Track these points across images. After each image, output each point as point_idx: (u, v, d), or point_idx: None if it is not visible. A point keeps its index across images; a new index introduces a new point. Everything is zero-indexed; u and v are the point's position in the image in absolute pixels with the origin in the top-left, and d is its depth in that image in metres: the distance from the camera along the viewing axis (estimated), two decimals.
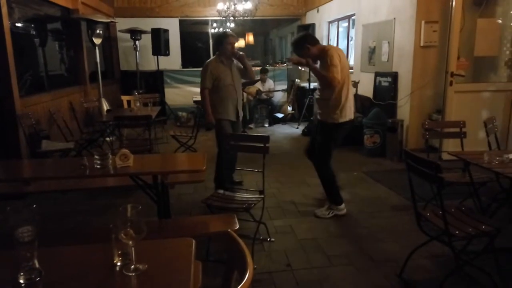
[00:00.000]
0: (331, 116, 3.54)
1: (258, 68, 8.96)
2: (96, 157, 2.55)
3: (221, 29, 11.74)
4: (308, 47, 3.53)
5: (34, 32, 6.08)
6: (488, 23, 5.29)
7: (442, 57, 5.30)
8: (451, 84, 5.00)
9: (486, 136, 3.66)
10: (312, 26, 8.52)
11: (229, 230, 1.54)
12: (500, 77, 5.49)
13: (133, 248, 1.35)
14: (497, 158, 2.79)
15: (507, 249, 2.94)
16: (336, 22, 8.94)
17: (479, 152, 2.99)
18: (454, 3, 4.84)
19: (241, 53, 4.14)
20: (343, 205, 3.77)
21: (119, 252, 1.40)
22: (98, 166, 2.54)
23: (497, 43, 5.35)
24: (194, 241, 1.55)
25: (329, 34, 9.39)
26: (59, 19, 6.80)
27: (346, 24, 8.49)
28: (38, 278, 1.29)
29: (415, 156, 2.48)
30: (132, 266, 1.35)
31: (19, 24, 5.52)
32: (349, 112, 3.58)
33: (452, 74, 4.97)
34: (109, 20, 7.81)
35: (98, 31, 6.92)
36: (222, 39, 4.09)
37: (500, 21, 5.39)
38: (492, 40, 5.29)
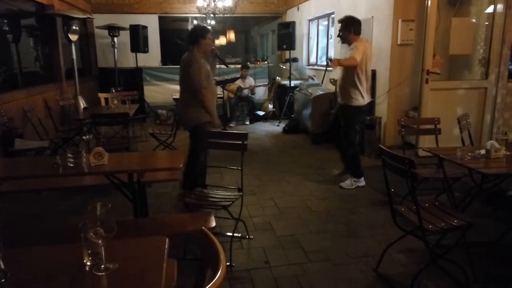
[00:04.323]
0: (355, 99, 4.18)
1: (239, 66, 8.94)
2: (69, 155, 2.49)
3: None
4: (351, 31, 4.15)
5: (7, 28, 5.91)
6: (462, 22, 5.41)
7: (418, 55, 5.39)
8: (427, 81, 5.09)
9: (460, 132, 3.74)
10: (292, 24, 8.54)
11: (203, 227, 1.52)
12: (474, 74, 5.63)
13: (103, 247, 1.33)
14: (469, 154, 2.86)
15: (478, 242, 3.02)
16: (316, 20, 8.99)
17: (452, 148, 3.06)
18: (429, 2, 4.93)
19: (217, 50, 4.02)
20: (362, 179, 4.44)
21: (89, 251, 1.37)
22: (71, 165, 2.48)
23: (471, 41, 5.48)
24: (167, 239, 1.54)
25: (309, 32, 9.44)
26: (34, 14, 6.62)
27: (326, 22, 8.55)
28: (3, 280, 1.25)
29: (390, 153, 2.52)
30: (102, 266, 1.33)
31: None
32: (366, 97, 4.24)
33: (428, 72, 5.06)
34: (85, 16, 7.66)
35: (74, 27, 6.77)
36: (205, 33, 3.79)
37: (474, 20, 5.53)
38: (466, 39, 5.41)
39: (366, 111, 4.44)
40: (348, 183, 4.45)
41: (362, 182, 4.45)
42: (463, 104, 5.34)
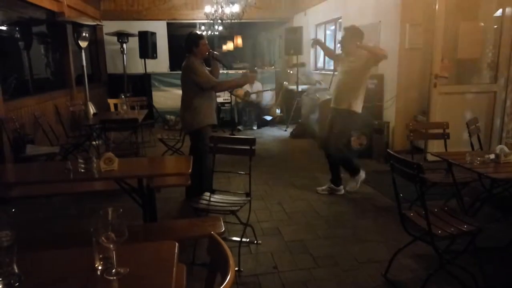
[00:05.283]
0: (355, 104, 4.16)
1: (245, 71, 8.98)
2: (80, 160, 2.53)
3: (209, 32, 11.73)
4: (359, 41, 4.09)
5: (18, 35, 6.01)
6: (470, 26, 5.39)
7: (426, 60, 5.37)
8: (435, 86, 5.07)
9: (469, 137, 3.72)
10: (299, 29, 8.57)
11: (212, 232, 1.54)
12: (483, 78, 5.59)
13: (114, 252, 1.35)
14: (479, 159, 2.83)
15: (488, 248, 2.99)
16: (323, 25, 9.01)
17: (461, 153, 3.04)
18: (437, 6, 4.92)
19: (216, 52, 4.07)
20: (361, 171, 4.41)
21: (101, 256, 1.39)
22: (82, 170, 2.52)
23: (480, 45, 5.45)
24: (177, 244, 1.55)
25: (317, 37, 9.45)
26: (45, 22, 6.74)
27: (333, 27, 8.56)
28: (18, 283, 1.28)
29: (398, 157, 2.51)
30: (114, 270, 1.35)
31: (3, 27, 5.46)
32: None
33: (436, 76, 5.04)
34: (95, 23, 7.76)
35: (84, 34, 6.87)
36: (197, 41, 3.90)
37: (482, 24, 5.50)
38: (474, 43, 5.39)
39: (361, 120, 4.50)
40: (352, 185, 4.41)
41: (362, 175, 4.42)
42: (472, 108, 5.30)
